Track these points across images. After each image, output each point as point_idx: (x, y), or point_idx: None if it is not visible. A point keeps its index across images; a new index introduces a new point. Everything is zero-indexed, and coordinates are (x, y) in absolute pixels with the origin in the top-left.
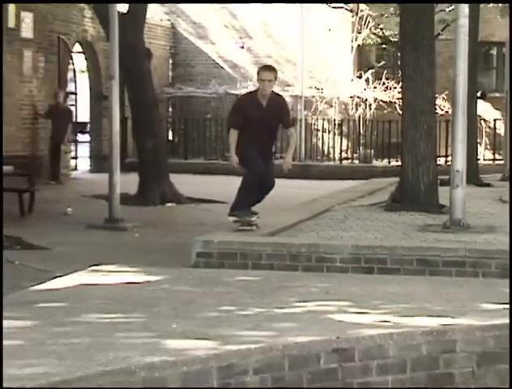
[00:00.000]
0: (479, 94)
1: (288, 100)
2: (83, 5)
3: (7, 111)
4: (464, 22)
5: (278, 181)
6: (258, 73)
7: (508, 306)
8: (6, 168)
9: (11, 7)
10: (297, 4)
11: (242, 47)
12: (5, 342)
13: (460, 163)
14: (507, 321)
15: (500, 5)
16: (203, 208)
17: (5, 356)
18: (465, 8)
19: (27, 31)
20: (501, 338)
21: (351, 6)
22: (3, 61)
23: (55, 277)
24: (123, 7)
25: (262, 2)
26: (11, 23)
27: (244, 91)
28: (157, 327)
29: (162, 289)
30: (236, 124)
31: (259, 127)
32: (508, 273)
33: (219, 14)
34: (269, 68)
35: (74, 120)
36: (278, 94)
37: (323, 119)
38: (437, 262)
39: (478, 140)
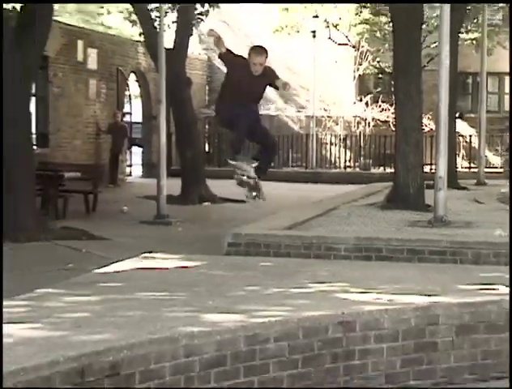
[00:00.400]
0: (457, 115)
1: (302, 119)
2: (137, 42)
3: (76, 128)
4: (445, 56)
5: (293, 186)
6: (250, 55)
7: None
8: (75, 174)
9: (80, 44)
10: (311, 41)
11: None
12: (74, 314)
13: (442, 170)
14: (480, 299)
15: (474, 42)
16: (234, 207)
17: (74, 325)
18: (446, 45)
19: (92, 64)
20: (476, 313)
21: (353, 42)
22: (74, 88)
23: (114, 262)
24: (169, 44)
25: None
26: (80, 57)
27: (265, 113)
28: (196, 304)
29: (200, 273)
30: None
31: (245, 93)
32: (481, 260)
33: (247, 49)
34: (261, 52)
35: (129, 135)
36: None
37: (331, 134)
38: (424, 252)
39: (456, 152)
